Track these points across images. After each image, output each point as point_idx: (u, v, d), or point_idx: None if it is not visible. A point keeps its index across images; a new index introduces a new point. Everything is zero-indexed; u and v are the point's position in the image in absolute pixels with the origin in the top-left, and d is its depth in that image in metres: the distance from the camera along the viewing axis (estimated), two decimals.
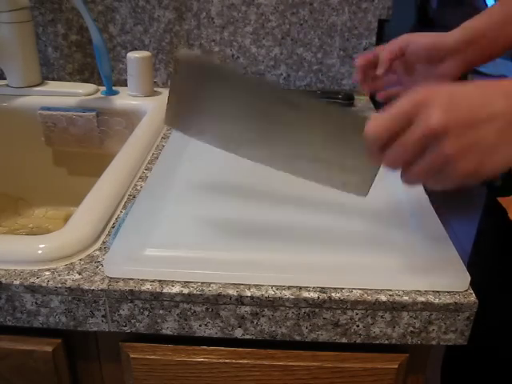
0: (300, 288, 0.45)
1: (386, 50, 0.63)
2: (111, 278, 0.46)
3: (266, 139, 0.49)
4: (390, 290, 0.45)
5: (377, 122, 0.41)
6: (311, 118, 0.48)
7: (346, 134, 0.47)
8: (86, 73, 0.93)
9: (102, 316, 0.46)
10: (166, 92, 0.86)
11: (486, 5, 2.68)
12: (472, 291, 0.46)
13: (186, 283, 0.45)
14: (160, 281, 0.46)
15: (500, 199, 0.61)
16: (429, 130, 0.38)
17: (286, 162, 0.50)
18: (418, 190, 0.59)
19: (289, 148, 0.49)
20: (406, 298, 0.45)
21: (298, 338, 0.47)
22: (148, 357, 0.49)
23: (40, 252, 0.47)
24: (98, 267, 0.47)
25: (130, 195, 0.59)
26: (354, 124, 0.45)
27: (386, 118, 0.40)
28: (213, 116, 0.51)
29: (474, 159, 0.38)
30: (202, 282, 0.46)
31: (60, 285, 0.45)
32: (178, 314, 0.46)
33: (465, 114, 0.38)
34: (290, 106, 0.47)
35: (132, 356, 0.49)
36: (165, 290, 0.45)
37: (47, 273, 0.46)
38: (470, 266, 0.49)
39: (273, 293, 0.45)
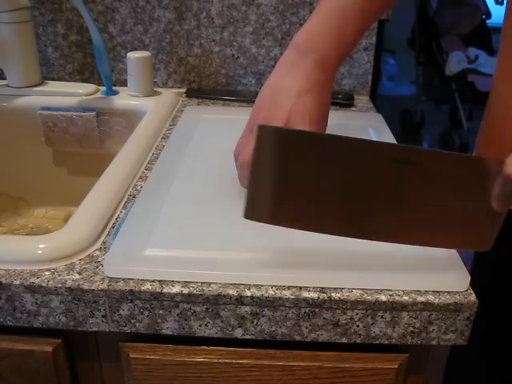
0: (300, 288, 0.45)
1: None
2: (111, 278, 0.46)
3: (384, 213, 0.42)
4: (390, 290, 0.45)
5: None
6: (430, 173, 0.41)
7: (468, 182, 0.41)
8: (86, 73, 0.93)
9: (102, 316, 0.46)
10: (166, 92, 0.87)
11: (486, 5, 2.68)
12: (472, 291, 0.46)
13: (186, 283, 0.45)
14: (160, 281, 0.46)
15: None
16: None
17: (406, 233, 0.43)
18: None
19: (409, 215, 0.42)
20: (406, 298, 0.45)
21: (297, 338, 0.47)
22: (148, 357, 0.49)
23: (40, 252, 0.47)
24: (98, 267, 0.47)
25: (129, 195, 0.59)
26: (474, 169, 0.40)
27: None
28: (316, 198, 0.42)
29: None
30: (202, 282, 0.46)
31: (60, 285, 0.45)
32: (178, 314, 0.46)
33: None
34: (404, 164, 0.40)
35: (132, 356, 0.49)
36: (165, 290, 0.45)
37: (47, 273, 0.46)
38: (472, 266, 0.49)
39: (273, 293, 0.45)
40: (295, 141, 0.41)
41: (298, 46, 0.56)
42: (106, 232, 0.52)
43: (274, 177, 0.42)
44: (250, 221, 0.53)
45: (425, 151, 0.41)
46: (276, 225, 0.44)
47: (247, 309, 0.45)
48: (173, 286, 0.45)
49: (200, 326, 0.46)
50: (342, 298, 0.45)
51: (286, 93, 0.54)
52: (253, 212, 0.43)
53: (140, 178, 0.63)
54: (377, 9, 0.58)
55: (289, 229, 0.52)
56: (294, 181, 0.42)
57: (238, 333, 0.47)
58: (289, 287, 0.45)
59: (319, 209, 0.43)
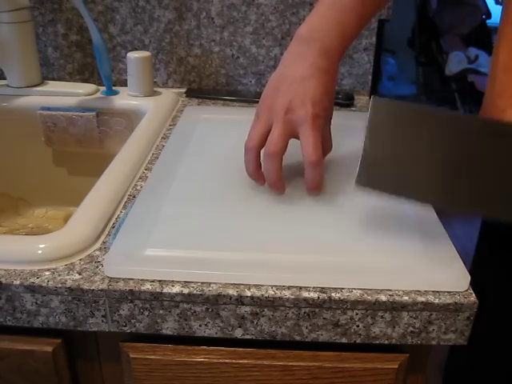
0: (300, 288, 0.45)
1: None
2: (111, 278, 0.46)
3: (478, 184, 0.44)
4: (390, 290, 0.45)
5: None
6: None
7: None
8: (86, 73, 0.93)
9: (102, 316, 0.46)
10: (166, 92, 0.86)
11: (486, 5, 2.68)
12: (472, 291, 0.46)
13: (186, 283, 0.45)
14: (160, 281, 0.46)
15: None
16: None
17: (494, 206, 0.45)
18: None
19: (499, 187, 0.44)
20: (406, 298, 0.45)
21: (298, 338, 0.47)
22: (148, 357, 0.49)
23: (40, 252, 0.47)
24: (97, 267, 0.47)
25: (130, 195, 0.59)
26: None
27: None
28: (420, 168, 0.45)
29: None
30: (202, 282, 0.46)
31: (60, 285, 0.45)
32: (178, 314, 0.46)
33: None
34: (495, 137, 0.43)
35: (132, 356, 0.49)
36: (165, 290, 0.45)
37: (47, 273, 0.46)
38: (472, 266, 0.49)
39: (273, 293, 0.45)
40: (403, 114, 0.45)
41: (302, 37, 0.57)
42: (106, 232, 0.52)
43: (386, 147, 0.45)
44: (250, 221, 0.53)
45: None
46: (384, 193, 0.46)
47: (247, 309, 0.45)
48: (173, 285, 0.45)
49: (200, 326, 0.46)
50: (342, 297, 0.45)
51: (290, 80, 0.55)
52: (365, 180, 0.46)
53: (140, 178, 0.63)
54: (377, 0, 0.59)
55: (289, 228, 0.52)
56: (405, 152, 0.45)
57: (238, 333, 0.46)
58: (289, 287, 0.45)
59: (423, 178, 0.45)
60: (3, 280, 0.45)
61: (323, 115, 0.55)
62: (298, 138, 0.54)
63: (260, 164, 0.56)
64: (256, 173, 0.56)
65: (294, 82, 0.55)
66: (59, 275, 0.46)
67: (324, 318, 0.46)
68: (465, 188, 0.45)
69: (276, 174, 0.54)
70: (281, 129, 0.53)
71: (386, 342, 0.47)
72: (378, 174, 0.46)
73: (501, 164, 0.43)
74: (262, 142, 0.55)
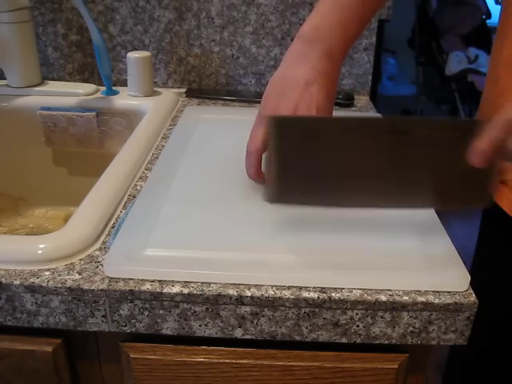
0: (300, 288, 0.45)
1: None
2: (111, 278, 0.46)
3: (387, 182, 0.47)
4: (390, 290, 0.45)
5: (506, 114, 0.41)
6: (422, 140, 0.45)
7: (462, 145, 0.44)
8: (86, 73, 0.93)
9: (102, 316, 0.46)
10: (166, 92, 0.86)
11: (486, 5, 2.68)
12: (472, 291, 0.46)
13: (186, 283, 0.45)
14: (160, 281, 0.46)
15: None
16: None
17: (410, 198, 0.47)
18: None
19: (411, 181, 0.47)
20: (406, 298, 0.45)
21: (298, 338, 0.47)
22: (148, 357, 0.49)
23: (40, 252, 0.47)
24: (97, 267, 0.47)
25: (130, 195, 0.59)
26: (465, 131, 0.43)
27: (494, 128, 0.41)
28: (327, 176, 0.47)
29: None
30: (202, 282, 0.46)
31: (60, 285, 0.45)
32: (178, 314, 0.46)
33: None
34: (397, 135, 0.45)
35: (132, 356, 0.49)
36: (165, 290, 0.45)
37: (47, 273, 0.46)
38: (472, 266, 0.49)
39: (273, 293, 0.45)
40: (299, 127, 0.46)
41: (305, 38, 0.56)
42: (106, 232, 0.52)
43: (291, 160, 0.46)
44: (250, 221, 0.53)
45: (414, 120, 0.46)
46: (295, 205, 0.48)
47: (247, 309, 0.45)
48: (173, 285, 0.45)
49: (200, 326, 0.46)
50: (342, 298, 0.45)
51: (293, 83, 0.55)
52: (275, 195, 0.47)
53: (140, 178, 0.63)
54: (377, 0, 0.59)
55: (289, 228, 0.52)
56: (307, 163, 0.46)
57: (238, 333, 0.47)
58: (289, 287, 0.45)
59: (330, 184, 0.47)
60: (3, 280, 0.45)
61: None
62: None
63: (261, 167, 0.56)
64: (257, 176, 0.56)
65: (297, 86, 0.54)
66: (59, 275, 0.46)
67: (324, 318, 0.46)
68: (375, 185, 0.47)
69: None
70: None
71: (386, 342, 0.47)
72: (286, 188, 0.47)
73: (408, 159, 0.45)
74: (264, 146, 0.55)
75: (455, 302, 0.45)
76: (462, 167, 0.44)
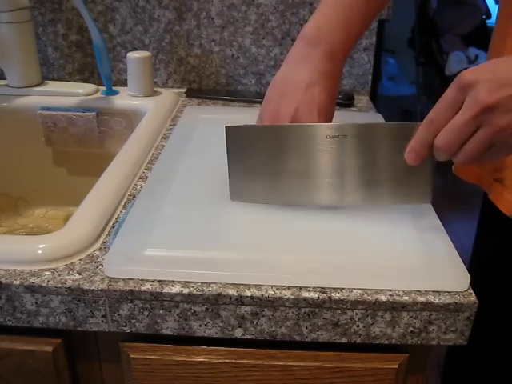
0: (300, 288, 0.45)
1: None
2: (111, 278, 0.46)
3: (327, 182, 0.52)
4: (390, 290, 0.45)
5: (429, 114, 0.45)
6: (358, 142, 0.50)
7: (396, 148, 0.49)
8: (86, 73, 0.93)
9: (102, 316, 0.46)
10: (166, 92, 0.86)
11: (486, 5, 2.68)
12: (472, 291, 0.46)
13: (186, 283, 0.45)
14: (160, 281, 0.46)
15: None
16: (480, 108, 0.41)
17: (349, 197, 0.53)
18: None
19: (349, 181, 0.52)
20: (406, 298, 0.45)
21: (298, 338, 0.47)
22: (148, 357, 0.49)
23: (40, 252, 0.47)
24: (97, 267, 0.47)
25: (129, 195, 0.59)
26: (401, 134, 0.48)
27: (436, 108, 0.45)
28: (274, 176, 0.54)
29: None
30: (202, 282, 0.46)
31: (60, 285, 0.45)
32: (178, 314, 0.46)
33: (510, 88, 0.41)
34: (336, 139, 0.51)
35: (132, 356, 0.49)
36: (165, 290, 0.45)
37: (47, 273, 0.46)
38: (470, 266, 0.49)
39: (273, 293, 0.45)
40: (252, 134, 0.54)
41: (307, 39, 0.56)
42: (106, 232, 0.52)
43: (244, 165, 0.54)
44: (249, 221, 0.53)
45: (351, 125, 0.51)
46: (253, 202, 0.55)
47: (247, 309, 0.45)
48: (173, 286, 0.45)
49: (200, 325, 0.46)
50: (342, 298, 0.45)
51: (295, 84, 0.55)
52: (235, 194, 0.56)
53: (140, 178, 0.63)
54: (380, 1, 0.59)
55: (288, 229, 0.52)
56: (260, 165, 0.54)
57: (238, 333, 0.46)
58: (289, 287, 0.45)
59: (282, 185, 0.54)
60: (3, 280, 0.45)
61: (328, 123, 0.56)
62: None
63: None
64: None
65: (298, 87, 0.54)
66: (59, 275, 0.46)
67: (324, 318, 0.46)
68: (318, 185, 0.53)
69: None
70: None
71: (386, 342, 0.47)
72: (245, 188, 0.55)
73: (348, 161, 0.51)
74: None
75: (455, 302, 0.45)
76: (403, 167, 0.48)
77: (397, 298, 0.45)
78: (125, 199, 0.58)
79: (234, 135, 0.54)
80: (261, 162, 0.54)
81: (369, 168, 0.51)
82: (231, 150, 0.54)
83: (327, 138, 0.51)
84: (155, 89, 0.86)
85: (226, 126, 0.53)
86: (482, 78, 0.41)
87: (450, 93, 0.44)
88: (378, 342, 0.47)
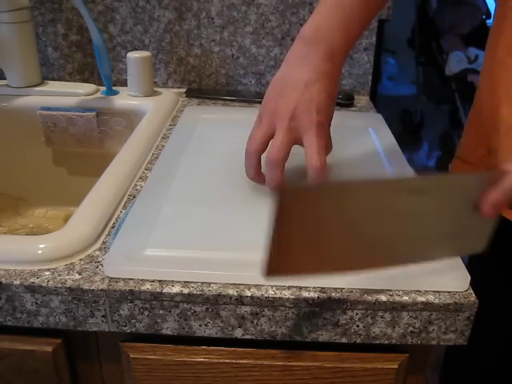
0: (300, 288, 0.45)
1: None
2: (111, 278, 0.46)
3: (391, 240, 0.43)
4: (390, 290, 0.45)
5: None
6: (433, 198, 0.42)
7: (465, 197, 0.42)
8: (86, 73, 0.93)
9: (102, 316, 0.46)
10: (166, 92, 0.86)
11: (486, 5, 2.68)
12: (472, 291, 0.46)
13: (186, 283, 0.45)
14: (160, 281, 0.46)
15: None
16: None
17: (409, 255, 0.44)
18: None
19: (417, 237, 0.44)
20: (406, 297, 0.45)
21: (298, 338, 0.47)
22: (148, 357, 0.49)
23: (40, 252, 0.47)
24: (97, 267, 0.47)
25: (129, 195, 0.59)
26: (477, 185, 0.42)
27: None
28: (332, 244, 0.42)
29: None
30: (202, 282, 0.46)
31: (60, 285, 0.45)
32: (178, 314, 0.46)
33: None
34: (410, 193, 0.41)
35: (132, 356, 0.49)
36: (165, 290, 0.45)
37: (47, 273, 0.46)
38: (470, 266, 0.49)
39: (273, 293, 0.45)
40: (310, 196, 0.40)
41: (306, 39, 0.56)
42: (106, 232, 0.52)
43: (296, 232, 0.40)
44: (250, 221, 0.53)
45: (429, 179, 0.42)
46: (303, 275, 0.44)
47: (247, 309, 0.45)
48: (173, 286, 0.45)
49: (200, 326, 0.46)
50: (342, 298, 0.45)
51: (294, 84, 0.55)
52: (277, 268, 0.41)
53: (140, 178, 0.63)
54: (380, 2, 0.59)
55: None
56: (317, 230, 0.41)
57: (238, 333, 0.47)
58: (289, 287, 0.45)
59: (343, 252, 0.43)
60: (3, 280, 0.45)
61: (327, 122, 0.56)
62: (301, 144, 0.54)
63: (261, 167, 0.56)
64: (257, 177, 0.56)
65: (297, 87, 0.54)
66: (59, 275, 0.46)
67: (324, 318, 0.46)
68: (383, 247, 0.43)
69: (277, 181, 0.54)
70: (284, 136, 0.53)
71: (386, 342, 0.47)
72: (288, 260, 0.41)
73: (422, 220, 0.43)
74: (264, 146, 0.55)
75: (455, 302, 0.45)
76: (468, 216, 0.43)
77: (397, 298, 0.45)
78: (125, 199, 0.58)
79: (289, 197, 0.39)
80: (322, 225, 0.41)
81: (437, 222, 0.43)
82: (280, 213, 0.39)
83: (406, 192, 0.41)
84: (155, 89, 0.86)
85: (280, 188, 0.39)
86: None
87: None
88: (377, 341, 0.47)
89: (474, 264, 0.67)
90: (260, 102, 0.58)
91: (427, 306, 0.45)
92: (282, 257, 0.40)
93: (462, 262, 0.48)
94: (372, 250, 0.43)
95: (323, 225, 0.41)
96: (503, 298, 0.66)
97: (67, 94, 0.84)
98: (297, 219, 0.40)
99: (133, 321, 0.46)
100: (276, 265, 0.41)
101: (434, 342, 0.47)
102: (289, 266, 0.42)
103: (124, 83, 0.88)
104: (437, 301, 0.45)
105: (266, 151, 0.55)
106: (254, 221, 0.53)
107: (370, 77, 0.92)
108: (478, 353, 0.69)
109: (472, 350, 0.63)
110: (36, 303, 0.46)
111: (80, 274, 0.46)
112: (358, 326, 0.46)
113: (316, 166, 0.52)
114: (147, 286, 0.45)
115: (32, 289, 0.45)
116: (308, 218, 0.40)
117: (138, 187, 0.61)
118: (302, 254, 0.41)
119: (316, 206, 0.40)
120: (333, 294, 0.45)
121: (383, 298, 0.45)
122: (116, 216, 0.55)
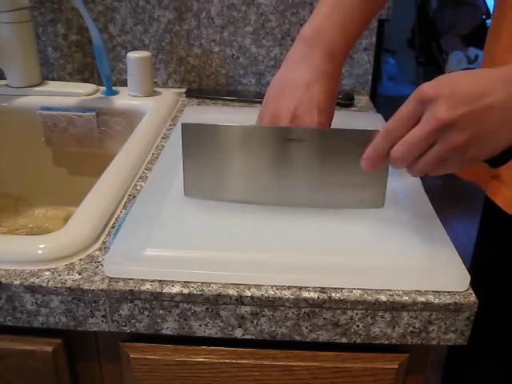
0: (300, 288, 0.45)
1: None
2: (111, 278, 0.46)
3: (279, 182, 0.53)
4: (390, 290, 0.45)
5: (387, 124, 0.45)
6: (316, 147, 0.51)
7: (353, 153, 0.49)
8: (86, 73, 0.93)
9: (102, 316, 0.46)
10: (166, 92, 0.86)
11: (486, 5, 2.68)
12: (472, 291, 0.46)
13: (186, 283, 0.45)
14: (160, 281, 0.46)
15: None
16: (438, 124, 0.41)
17: (301, 198, 0.54)
18: (418, 191, 0.59)
19: (302, 183, 0.53)
20: (406, 297, 0.45)
21: (298, 338, 0.47)
22: (148, 357, 0.49)
23: (40, 252, 0.47)
24: (98, 267, 0.47)
25: (129, 195, 0.59)
26: (358, 140, 0.49)
27: (394, 120, 0.45)
28: (227, 175, 0.55)
29: (478, 146, 0.42)
30: (202, 282, 0.46)
31: (60, 285, 0.45)
32: (178, 314, 0.46)
33: (469, 107, 0.41)
34: (293, 142, 0.51)
35: (132, 356, 0.49)
36: (165, 290, 0.45)
37: (47, 273, 0.46)
38: (470, 266, 0.49)
39: (273, 293, 0.45)
40: (208, 133, 0.54)
41: (307, 39, 0.56)
42: (106, 232, 0.52)
43: (198, 162, 0.54)
44: (250, 220, 0.53)
45: (310, 129, 0.52)
46: (208, 199, 0.56)
47: (247, 309, 0.45)
48: (173, 286, 0.45)
49: (200, 326, 0.46)
50: (342, 298, 0.45)
51: (294, 84, 0.55)
52: (189, 191, 0.56)
53: (140, 178, 0.63)
54: (380, 1, 0.59)
55: (289, 228, 0.52)
56: (213, 164, 0.54)
57: (238, 333, 0.46)
58: (289, 287, 0.45)
59: (234, 183, 0.55)
60: (3, 280, 0.45)
61: (328, 122, 0.56)
62: None
63: None
64: None
65: (298, 87, 0.54)
66: (59, 275, 0.46)
67: (324, 318, 0.46)
68: (270, 185, 0.54)
69: None
70: None
71: (386, 342, 0.47)
72: (198, 185, 0.55)
73: (300, 163, 0.53)
74: None
75: (455, 302, 0.45)
76: (359, 172, 0.49)
77: (397, 298, 0.45)
78: (125, 199, 0.58)
79: (191, 133, 0.53)
80: (216, 160, 0.54)
81: (324, 171, 0.52)
82: (187, 147, 0.54)
83: (285, 140, 0.51)
84: (155, 89, 0.86)
85: (182, 124, 0.53)
86: (441, 94, 0.42)
87: (408, 105, 0.44)
88: (377, 341, 0.47)
89: (474, 264, 0.68)
90: (260, 102, 0.58)
91: (427, 305, 0.45)
92: (195, 182, 0.55)
93: (462, 261, 0.48)
94: (263, 189, 0.54)
95: (224, 161, 0.54)
96: (504, 297, 0.66)
97: (67, 94, 0.84)
98: (201, 153, 0.54)
99: (133, 321, 0.46)
100: (191, 188, 0.55)
101: (434, 342, 0.47)
102: (201, 190, 0.55)
103: (124, 83, 0.88)
104: (437, 301, 0.45)
105: None
106: (254, 221, 0.53)
107: (370, 77, 0.92)
108: (479, 352, 0.69)
109: (473, 350, 0.64)
110: (36, 303, 0.46)
111: (80, 274, 0.46)
112: (357, 326, 0.46)
113: None
114: (147, 286, 0.45)
115: (32, 289, 0.45)
116: (210, 153, 0.53)
117: (138, 187, 0.61)
118: (210, 182, 0.55)
119: (216, 144, 0.53)
120: (333, 294, 0.45)
121: (383, 297, 0.45)
122: (116, 216, 0.55)
